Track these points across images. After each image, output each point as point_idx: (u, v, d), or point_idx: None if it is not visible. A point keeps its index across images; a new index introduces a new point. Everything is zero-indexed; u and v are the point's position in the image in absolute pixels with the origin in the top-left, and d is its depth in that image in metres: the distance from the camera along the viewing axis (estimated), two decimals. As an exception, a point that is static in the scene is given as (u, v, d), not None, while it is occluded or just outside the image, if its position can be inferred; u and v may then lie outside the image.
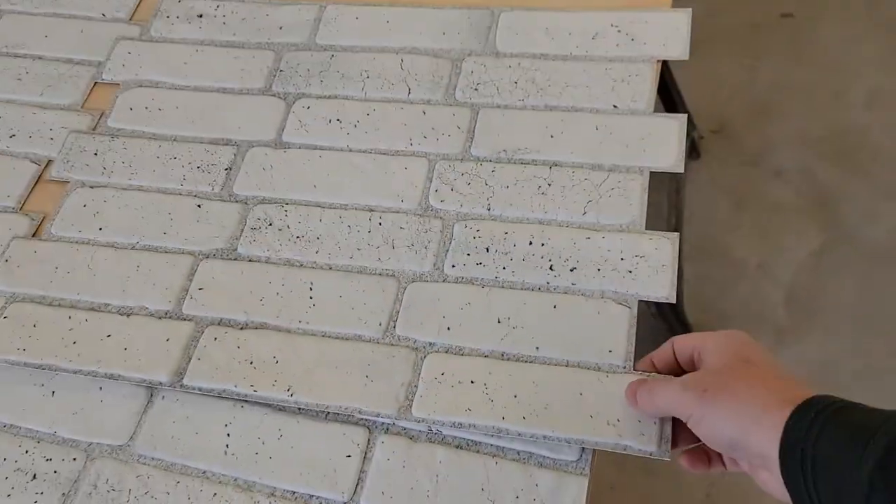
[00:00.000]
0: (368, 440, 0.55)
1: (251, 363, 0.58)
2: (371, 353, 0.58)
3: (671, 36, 0.71)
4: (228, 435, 0.56)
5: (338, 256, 0.63)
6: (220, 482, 0.55)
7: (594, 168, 0.64)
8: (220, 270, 0.63)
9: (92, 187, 0.70)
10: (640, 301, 0.57)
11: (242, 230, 0.66)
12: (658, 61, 0.70)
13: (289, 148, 0.70)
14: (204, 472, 0.55)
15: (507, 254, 0.61)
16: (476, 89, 0.71)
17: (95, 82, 0.78)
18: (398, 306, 0.60)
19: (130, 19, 0.83)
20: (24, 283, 0.65)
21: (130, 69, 0.78)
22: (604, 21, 0.73)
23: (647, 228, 0.61)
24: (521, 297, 0.59)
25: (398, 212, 0.65)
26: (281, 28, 0.79)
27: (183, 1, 0.83)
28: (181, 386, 0.58)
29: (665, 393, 0.48)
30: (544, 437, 0.53)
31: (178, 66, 0.78)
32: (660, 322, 1.13)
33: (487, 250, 0.61)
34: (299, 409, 0.56)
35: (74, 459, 0.57)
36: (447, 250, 0.62)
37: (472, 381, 0.56)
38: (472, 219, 0.63)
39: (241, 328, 0.60)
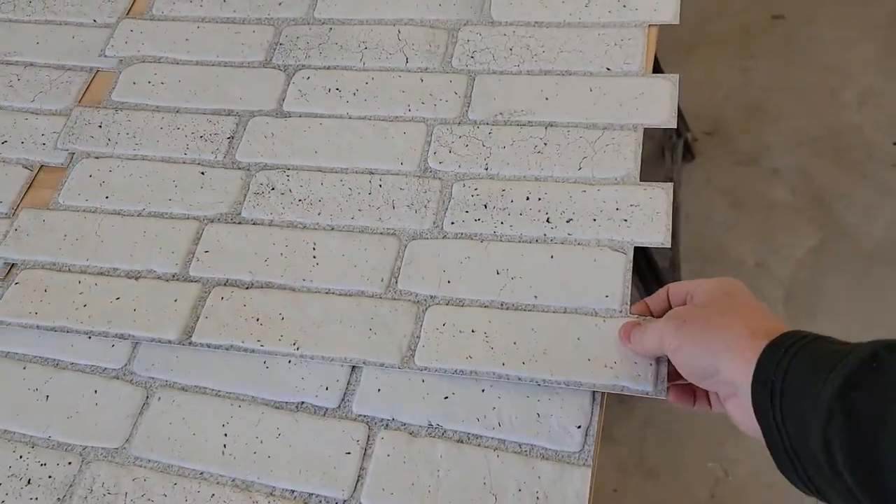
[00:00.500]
0: (368, 436, 0.54)
1: (257, 320, 0.60)
2: (374, 308, 0.59)
3: (661, 1, 0.73)
4: (226, 435, 0.56)
5: (339, 217, 0.64)
6: (217, 483, 0.54)
7: (589, 127, 0.66)
8: (224, 234, 0.65)
9: (97, 158, 0.72)
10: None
11: (246, 195, 0.67)
12: (650, 25, 0.72)
13: (289, 116, 0.72)
14: (201, 473, 0.54)
15: (504, 209, 0.62)
16: (472, 57, 0.73)
17: (92, 78, 0.79)
18: (399, 263, 0.61)
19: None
20: (33, 251, 0.66)
21: (133, 46, 0.80)
22: (595, -12, 0.75)
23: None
24: (518, 250, 0.60)
25: (398, 174, 0.66)
26: (280, 3, 0.81)
27: (183, -20, 0.85)
28: (190, 343, 0.59)
29: (653, 330, 0.49)
30: (543, 380, 0.54)
31: (180, 42, 0.79)
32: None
33: (485, 207, 0.63)
34: (302, 408, 0.58)
35: (69, 463, 0.56)
36: (446, 208, 0.63)
37: (472, 331, 0.57)
38: (471, 178, 0.65)
39: (247, 287, 0.62)
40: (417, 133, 0.68)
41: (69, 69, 0.80)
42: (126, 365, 0.60)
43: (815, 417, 0.37)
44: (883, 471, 0.34)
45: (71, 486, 0.55)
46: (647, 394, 0.53)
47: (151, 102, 0.75)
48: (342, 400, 0.56)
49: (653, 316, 0.54)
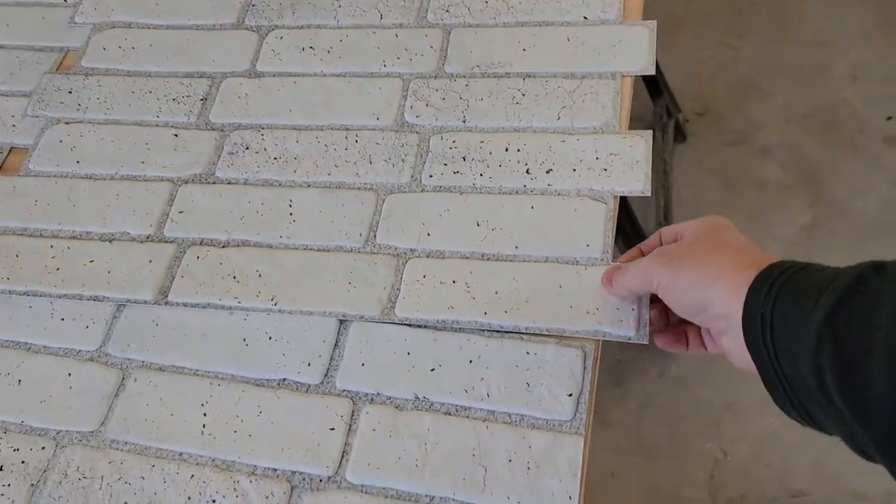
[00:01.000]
0: (352, 411, 0.52)
1: (234, 278, 0.59)
2: (353, 262, 0.58)
3: (638, -49, 0.72)
4: (205, 415, 0.54)
5: (315, 174, 0.63)
6: (197, 463, 0.52)
7: (567, 76, 0.65)
8: (199, 194, 0.64)
9: (67, 123, 0.70)
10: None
11: (220, 155, 0.66)
12: (626, -24, 0.71)
13: (263, 76, 0.71)
14: (180, 454, 0.53)
15: (483, 161, 0.62)
16: (447, 10, 0.72)
17: (62, 58, 0.77)
18: (378, 217, 0.60)
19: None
20: (4, 217, 0.65)
21: (102, 12, 0.78)
22: (571, -61, 0.74)
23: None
24: (498, 201, 0.59)
25: (374, 129, 0.65)
26: (251, -36, 0.79)
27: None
28: (166, 303, 0.58)
29: (636, 269, 0.49)
30: (525, 328, 0.53)
31: (150, 6, 0.78)
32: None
33: (464, 159, 0.62)
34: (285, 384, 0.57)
35: (43, 448, 0.54)
36: (424, 162, 0.63)
37: (453, 281, 0.56)
38: (448, 131, 0.64)
39: (223, 246, 0.61)
40: (393, 88, 0.67)
41: (39, 50, 0.78)
42: (101, 347, 0.58)
43: (804, 346, 0.36)
44: (870, 393, 0.34)
45: (45, 471, 0.53)
46: (629, 339, 0.52)
47: (122, 67, 0.74)
48: (325, 375, 0.54)
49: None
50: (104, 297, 0.59)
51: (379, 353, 0.54)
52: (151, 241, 0.62)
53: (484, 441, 0.50)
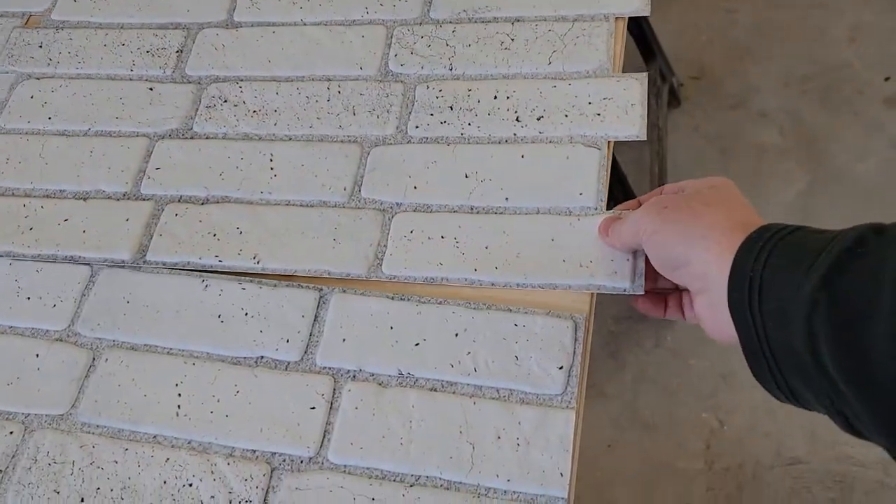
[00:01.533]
0: (334, 389, 0.50)
1: (214, 235, 0.57)
2: (337, 218, 0.56)
3: None
4: (179, 395, 0.51)
5: (297, 127, 0.61)
6: (172, 446, 0.50)
7: (558, 20, 0.62)
8: (176, 149, 0.61)
9: (38, 78, 0.67)
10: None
11: (197, 109, 0.63)
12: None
13: (241, 27, 0.67)
14: (154, 437, 0.50)
15: (471, 110, 0.59)
16: (432, -46, 0.68)
17: (24, 23, 0.72)
18: (362, 170, 0.58)
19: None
20: (-26, 178, 0.62)
21: (71, -39, 0.74)
22: None
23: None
24: (487, 151, 0.57)
25: (357, 79, 0.62)
26: None
27: None
28: (144, 262, 0.56)
29: (630, 217, 0.47)
30: (517, 284, 0.52)
31: (121, -46, 0.74)
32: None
33: (451, 109, 0.59)
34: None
35: (11, 433, 0.52)
36: (410, 112, 0.60)
37: (441, 237, 0.54)
38: (434, 80, 0.61)
39: (203, 203, 0.58)
40: (377, 36, 0.64)
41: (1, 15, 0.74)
42: (69, 326, 0.55)
43: (796, 310, 0.34)
44: (873, 360, 0.31)
45: (13, 456, 0.51)
46: (624, 291, 0.50)
47: (94, 20, 0.71)
48: (304, 352, 0.52)
49: None
50: (80, 258, 0.57)
51: (360, 327, 0.52)
52: (128, 198, 0.59)
53: (471, 418, 0.48)
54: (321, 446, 0.49)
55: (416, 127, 0.59)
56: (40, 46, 0.69)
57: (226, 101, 0.63)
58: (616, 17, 0.61)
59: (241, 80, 0.64)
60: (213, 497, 0.48)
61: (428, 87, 0.61)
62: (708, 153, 1.45)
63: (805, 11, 1.57)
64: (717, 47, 1.57)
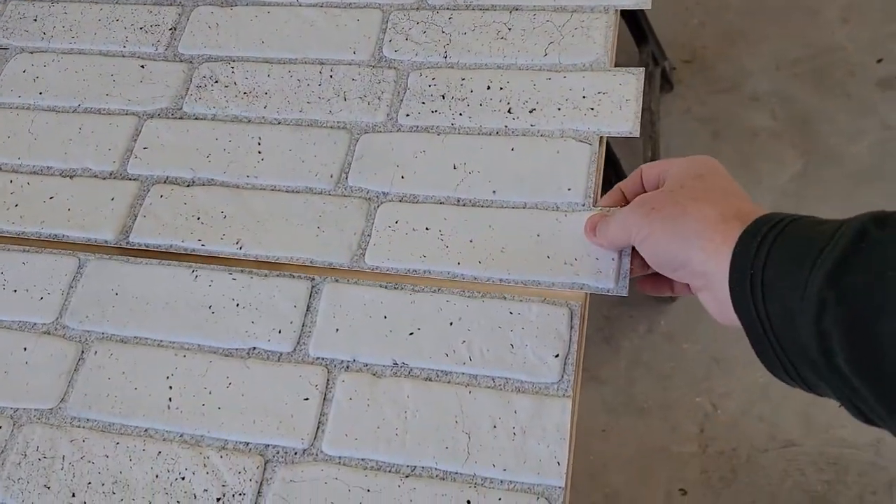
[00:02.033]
0: (327, 380, 0.49)
1: (198, 219, 0.56)
2: (322, 205, 0.55)
3: None
4: (171, 388, 0.51)
5: (287, 111, 0.60)
6: (164, 439, 0.49)
7: (556, 10, 0.61)
8: (165, 129, 0.61)
9: (32, 53, 0.67)
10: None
11: (188, 89, 0.62)
12: None
13: (236, 5, 0.66)
14: (146, 430, 0.50)
15: (463, 100, 0.58)
16: (433, -64, 0.67)
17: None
18: (350, 158, 0.57)
19: None
20: (-37, 151, 0.62)
21: (69, -67, 0.74)
22: None
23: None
24: (477, 142, 0.56)
25: (350, 64, 0.61)
26: None
27: None
28: (127, 243, 0.56)
29: (617, 220, 0.46)
30: (500, 279, 0.51)
31: (120, -73, 0.73)
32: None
33: (443, 97, 0.58)
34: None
35: (0, 428, 0.51)
36: (401, 100, 0.59)
37: (426, 228, 0.53)
38: (428, 67, 0.60)
39: (188, 185, 0.58)
40: (372, 20, 0.63)
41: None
42: (57, 318, 0.54)
43: (804, 310, 0.33)
44: (886, 359, 0.31)
45: (2, 451, 0.50)
46: (608, 291, 0.49)
47: (90, -7, 0.70)
48: (297, 343, 0.51)
49: (627, 201, 0.50)
50: (63, 236, 0.57)
51: (354, 317, 0.51)
52: (114, 177, 0.59)
53: (467, 407, 0.48)
54: (315, 438, 0.48)
55: (407, 115, 0.58)
56: (35, 20, 0.69)
57: (216, 82, 0.62)
58: (616, 9, 0.59)
59: (234, 61, 0.63)
60: (206, 490, 0.47)
61: (421, 75, 0.60)
62: (700, 137, 1.44)
63: (797, -7, 1.55)
64: (710, 30, 1.55)
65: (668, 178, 0.45)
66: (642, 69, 0.56)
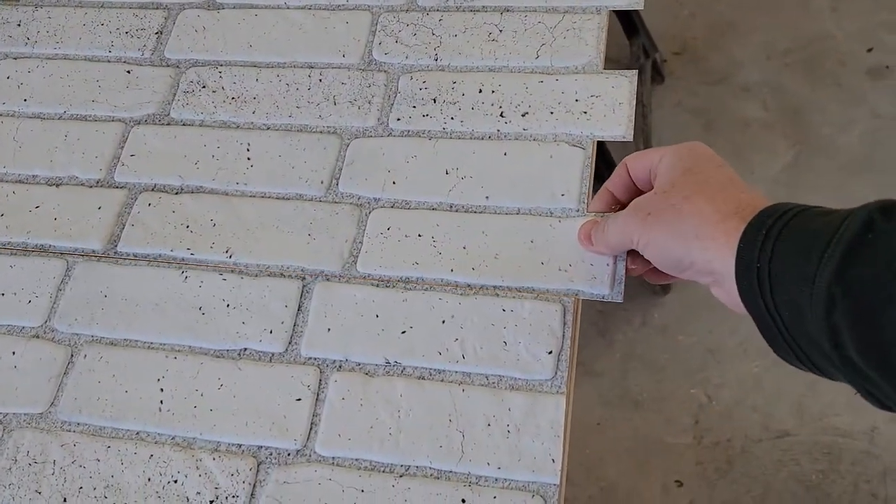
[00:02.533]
0: (320, 380, 0.49)
1: (187, 227, 0.55)
2: (313, 212, 0.55)
3: None
4: (162, 390, 0.50)
5: (276, 116, 0.59)
6: (156, 442, 0.49)
7: (548, 11, 0.60)
8: (152, 136, 0.60)
9: (16, 59, 0.66)
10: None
11: (175, 94, 0.61)
12: None
13: (222, 8, 0.65)
14: (137, 433, 0.49)
15: (455, 104, 0.57)
16: (422, -63, 0.66)
17: None
18: (341, 163, 0.56)
19: None
20: (-53, 160, 0.61)
21: (52, -65, 0.72)
22: None
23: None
24: (469, 147, 0.55)
25: (339, 67, 0.61)
26: None
27: None
28: (115, 252, 0.55)
29: (614, 226, 0.45)
30: (494, 286, 0.50)
31: (104, -71, 0.72)
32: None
33: (434, 101, 0.58)
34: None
35: None
36: (392, 104, 0.58)
37: (419, 235, 0.53)
38: (419, 70, 0.59)
39: (177, 193, 0.57)
40: (361, 22, 0.62)
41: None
42: (46, 322, 0.53)
43: (813, 304, 0.33)
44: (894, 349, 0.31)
45: None
46: (604, 297, 0.49)
47: (74, -4, 0.69)
48: (289, 343, 0.51)
49: (617, 201, 0.49)
50: (50, 246, 0.56)
51: (345, 316, 0.51)
52: (101, 186, 0.58)
53: (460, 405, 0.47)
54: (308, 438, 0.48)
55: (398, 119, 0.57)
56: (19, 25, 0.68)
57: (204, 87, 0.61)
58: (609, 10, 0.59)
59: (221, 65, 0.62)
60: (199, 493, 0.47)
61: (412, 78, 0.59)
62: (692, 128, 1.44)
63: (787, -17, 1.55)
64: (700, 22, 1.55)
65: (658, 176, 0.44)
66: (635, 72, 0.55)
